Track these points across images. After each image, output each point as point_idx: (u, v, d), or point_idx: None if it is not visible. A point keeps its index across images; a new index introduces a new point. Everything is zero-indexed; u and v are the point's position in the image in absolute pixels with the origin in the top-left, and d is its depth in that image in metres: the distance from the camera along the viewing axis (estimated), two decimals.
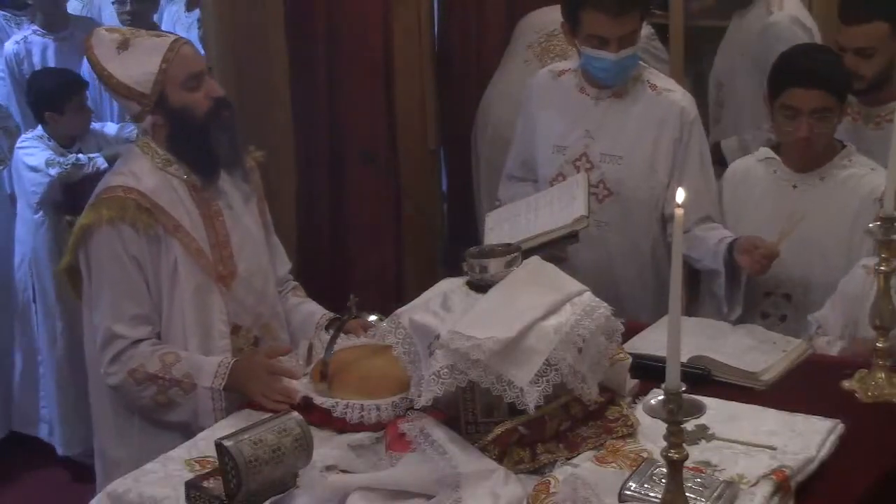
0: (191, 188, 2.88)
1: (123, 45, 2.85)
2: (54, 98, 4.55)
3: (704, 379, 2.64)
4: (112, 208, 2.78)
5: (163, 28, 5.31)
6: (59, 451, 4.69)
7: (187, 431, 2.74)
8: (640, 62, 3.42)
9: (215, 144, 2.87)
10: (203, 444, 2.46)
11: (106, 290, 2.80)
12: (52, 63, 5.08)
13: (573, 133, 3.38)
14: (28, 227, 4.64)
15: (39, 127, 4.59)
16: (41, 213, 4.58)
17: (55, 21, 5.16)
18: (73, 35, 5.12)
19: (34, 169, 4.51)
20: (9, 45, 5.12)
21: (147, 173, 2.85)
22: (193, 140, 2.86)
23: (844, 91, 3.20)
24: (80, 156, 4.52)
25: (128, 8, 5.02)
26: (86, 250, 2.83)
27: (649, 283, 3.41)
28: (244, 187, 3.00)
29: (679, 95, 3.37)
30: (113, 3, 5.27)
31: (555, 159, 3.38)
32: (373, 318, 2.78)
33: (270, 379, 2.70)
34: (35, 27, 5.15)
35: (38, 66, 5.06)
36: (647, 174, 3.33)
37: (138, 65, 2.82)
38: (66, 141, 4.58)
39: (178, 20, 5.67)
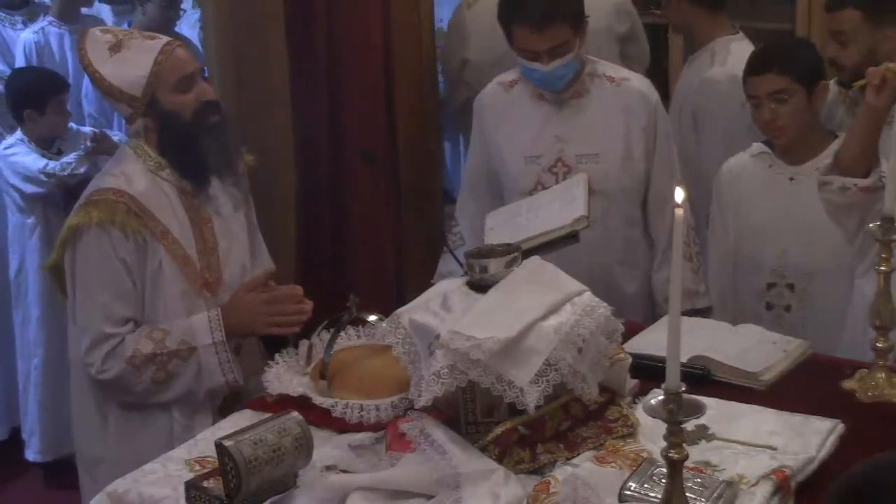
0: (181, 193, 2.88)
1: (116, 48, 2.84)
2: (36, 97, 4.56)
3: (704, 379, 2.64)
4: (102, 211, 2.78)
5: None
6: (30, 456, 4.68)
7: (182, 403, 2.81)
8: (590, 58, 3.42)
9: (204, 149, 2.86)
10: (203, 444, 2.46)
11: (96, 292, 2.80)
12: (68, 52, 5.16)
13: (542, 141, 3.38)
14: (17, 231, 4.65)
15: (17, 132, 4.60)
16: (33, 217, 4.58)
17: (70, 15, 5.27)
18: (83, 28, 5.21)
19: (28, 173, 4.52)
20: (26, 35, 5.20)
21: (138, 176, 2.84)
22: (182, 144, 2.85)
23: (804, 73, 3.21)
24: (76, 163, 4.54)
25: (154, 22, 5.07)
26: (73, 250, 2.82)
27: (639, 271, 3.46)
28: (235, 193, 3.00)
29: (637, 82, 3.42)
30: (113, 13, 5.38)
31: (529, 171, 3.38)
32: (373, 318, 2.79)
33: (272, 308, 2.80)
34: (51, 18, 5.24)
35: (57, 55, 5.14)
36: (625, 166, 3.38)
37: (130, 67, 2.82)
38: (44, 142, 4.58)
39: (183, 17, 5.69)
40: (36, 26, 5.22)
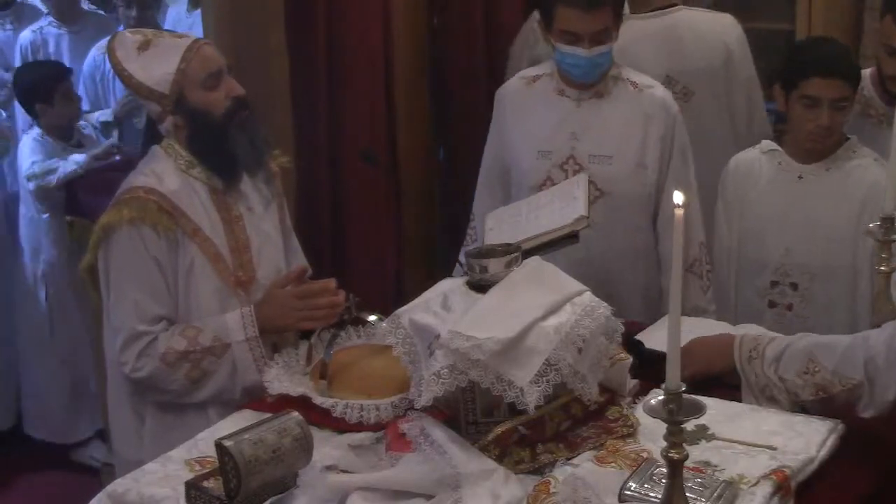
0: (212, 192, 2.89)
1: (144, 46, 2.86)
2: (42, 89, 4.60)
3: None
4: (133, 209, 2.78)
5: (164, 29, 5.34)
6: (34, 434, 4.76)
7: (218, 404, 2.80)
8: (616, 61, 3.39)
9: (234, 145, 2.86)
10: (203, 444, 2.46)
11: (128, 290, 2.80)
12: (66, 53, 5.19)
13: (558, 136, 3.35)
14: (32, 227, 4.67)
15: (35, 129, 4.63)
16: (48, 214, 4.62)
17: (69, 15, 5.27)
18: (85, 28, 5.29)
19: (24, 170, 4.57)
20: (25, 34, 5.21)
21: (169, 175, 2.85)
22: (212, 141, 2.86)
23: (858, 82, 3.24)
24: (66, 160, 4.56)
25: (134, 13, 5.08)
26: (106, 250, 2.83)
27: (641, 282, 3.40)
28: (265, 190, 3.00)
29: (661, 91, 3.38)
30: (116, 8, 5.37)
31: (541, 165, 3.35)
32: (373, 317, 2.79)
33: (305, 302, 2.81)
34: (50, 18, 5.24)
35: (53, 56, 5.15)
36: (636, 172, 3.33)
37: (158, 65, 2.83)
38: (63, 133, 4.62)
39: (178, 21, 5.69)
40: (35, 26, 5.23)
